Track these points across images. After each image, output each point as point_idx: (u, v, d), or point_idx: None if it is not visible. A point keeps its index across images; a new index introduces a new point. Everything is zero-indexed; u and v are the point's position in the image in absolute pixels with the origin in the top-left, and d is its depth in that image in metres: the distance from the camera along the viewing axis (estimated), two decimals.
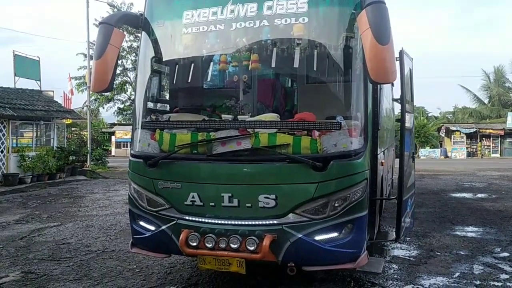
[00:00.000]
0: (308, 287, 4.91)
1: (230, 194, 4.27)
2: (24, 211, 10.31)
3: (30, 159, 15.62)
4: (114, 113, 56.23)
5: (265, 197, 4.17)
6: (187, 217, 4.45)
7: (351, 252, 4.18)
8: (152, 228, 4.67)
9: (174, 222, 4.48)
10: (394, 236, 5.09)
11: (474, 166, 24.48)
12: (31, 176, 15.48)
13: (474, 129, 37.72)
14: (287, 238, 4.13)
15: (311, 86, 5.06)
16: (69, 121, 21.74)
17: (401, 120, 4.93)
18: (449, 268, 5.59)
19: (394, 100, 4.96)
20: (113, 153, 43.04)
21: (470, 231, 7.73)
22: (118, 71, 56.07)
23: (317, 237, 4.13)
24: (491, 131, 37.55)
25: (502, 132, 37.09)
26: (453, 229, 7.83)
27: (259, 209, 4.20)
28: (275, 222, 4.18)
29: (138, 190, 4.75)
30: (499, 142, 37.91)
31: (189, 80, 5.16)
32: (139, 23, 4.96)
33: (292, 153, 4.17)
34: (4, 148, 15.08)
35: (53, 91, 19.01)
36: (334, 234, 4.16)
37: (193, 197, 4.40)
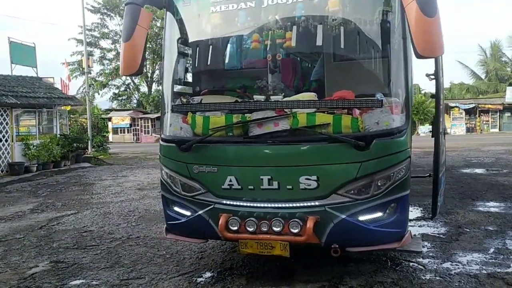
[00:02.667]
0: (344, 268, 4.85)
1: (269, 177, 4.17)
2: (36, 200, 10.21)
3: (35, 147, 15.42)
4: (109, 98, 56.05)
5: (306, 179, 4.08)
6: (224, 201, 4.36)
7: (396, 231, 4.12)
8: (188, 213, 4.58)
9: (211, 206, 4.39)
10: (430, 214, 5.03)
11: (476, 142, 24.54)
12: (36, 165, 15.31)
13: (473, 105, 37.76)
14: (330, 219, 4.06)
15: (346, 63, 4.91)
16: (68, 108, 21.48)
17: (436, 97, 4.83)
18: (482, 244, 5.56)
19: (427, 76, 4.83)
20: (110, 139, 42.82)
21: (493, 207, 7.72)
22: (111, 56, 55.98)
23: (361, 218, 4.05)
24: (490, 106, 37.61)
25: (501, 107, 37.19)
26: (475, 205, 7.81)
27: (300, 191, 4.11)
28: (317, 203, 4.09)
29: (171, 175, 4.64)
30: (498, 117, 38.01)
31: (217, 61, 5.03)
32: (163, 3, 4.79)
33: (332, 132, 4.07)
34: (8, 136, 14.85)
35: (53, 78, 18.71)
36: (379, 214, 4.08)
37: (230, 180, 4.30)
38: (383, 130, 4.00)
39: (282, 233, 4.12)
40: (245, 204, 4.29)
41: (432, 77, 4.76)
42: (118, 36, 55.17)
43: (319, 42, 4.57)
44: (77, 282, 4.85)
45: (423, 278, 4.54)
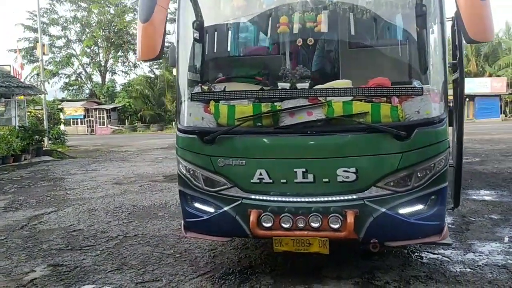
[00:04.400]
0: (371, 263, 4.71)
1: (304, 169, 3.93)
2: (5, 197, 9.43)
3: None
4: (60, 88, 53.58)
5: (344, 171, 3.87)
6: (253, 196, 4.07)
7: (436, 224, 4.00)
8: (211, 210, 4.26)
9: (239, 202, 4.10)
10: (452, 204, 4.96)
11: None
12: None
13: None
14: (370, 213, 3.88)
15: (379, 50, 4.72)
16: (21, 98, 20.20)
17: (459, 83, 4.75)
18: (494, 233, 5.60)
19: (449, 65, 4.75)
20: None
21: (485, 195, 7.88)
22: (61, 43, 53.37)
23: (402, 211, 3.90)
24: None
25: None
26: (468, 194, 7.91)
27: (337, 184, 3.90)
28: (355, 197, 3.90)
29: (192, 169, 4.30)
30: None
31: (237, 46, 4.71)
32: None
33: (371, 122, 3.88)
34: None
35: (10, 65, 17.46)
36: (420, 207, 3.94)
37: (260, 174, 4.02)
38: (424, 119, 3.85)
39: (321, 229, 3.90)
40: (277, 199, 4.03)
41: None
42: (69, 22, 52.86)
43: (350, 26, 4.37)
44: (88, 287, 4.42)
45: (454, 270, 4.47)
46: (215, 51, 4.96)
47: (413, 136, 3.78)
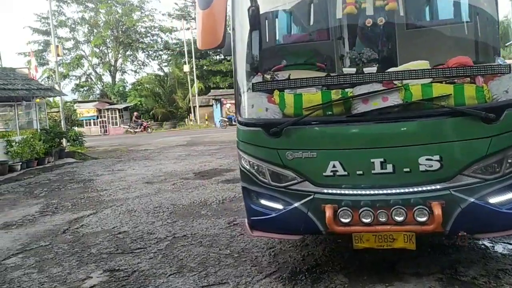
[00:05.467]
0: (448, 257, 4.44)
1: (382, 159, 3.65)
2: (38, 201, 9.27)
3: (17, 144, 14.21)
4: (72, 90, 53.69)
5: (427, 159, 3.58)
6: (326, 190, 3.80)
7: None
8: (280, 206, 3.99)
9: (311, 197, 3.83)
10: None
11: None
12: (20, 163, 14.13)
13: None
14: (457, 203, 3.59)
15: (455, 27, 4.41)
16: (37, 101, 20.10)
17: None
18: None
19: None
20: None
21: None
22: (70, 45, 53.44)
23: (492, 200, 3.61)
24: None
25: None
26: None
27: (419, 174, 3.61)
28: (439, 187, 3.61)
29: (256, 164, 4.03)
30: None
31: (299, 30, 4.40)
32: None
33: (454, 104, 3.58)
34: None
35: (28, 68, 17.33)
36: (511, 195, 3.65)
37: (334, 166, 3.74)
38: None
39: (406, 223, 3.62)
40: (354, 192, 3.76)
41: None
42: (77, 23, 52.83)
43: (418, 4, 4.08)
44: None
45: None
46: (272, 38, 4.69)
47: (503, 118, 3.49)
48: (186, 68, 43.43)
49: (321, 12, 4.68)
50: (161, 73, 52.89)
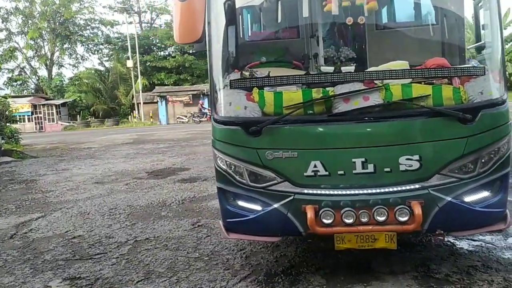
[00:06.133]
0: (418, 254, 4.51)
1: (363, 159, 3.64)
2: None
3: None
4: (4, 84, 50.42)
5: (407, 159, 3.62)
6: (306, 191, 3.73)
7: (501, 211, 3.83)
8: (258, 208, 3.88)
9: (291, 198, 3.75)
10: None
11: None
12: None
13: None
14: (435, 202, 3.65)
15: (428, 29, 4.46)
16: None
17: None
18: None
19: None
20: None
21: None
22: (3, 36, 50.35)
23: (467, 198, 3.70)
24: None
25: None
26: None
27: (400, 173, 3.64)
28: (418, 186, 3.66)
29: (234, 164, 3.88)
30: None
31: (274, 27, 4.30)
32: None
33: (433, 105, 3.64)
34: None
35: None
36: (485, 194, 3.76)
37: (315, 166, 3.68)
38: (488, 100, 3.66)
39: (388, 223, 3.63)
40: (335, 192, 3.72)
41: None
42: (10, 13, 49.68)
43: (394, 4, 4.11)
44: None
45: (507, 257, 4.36)
46: (248, 34, 4.54)
47: (478, 119, 3.58)
48: (129, 63, 42.05)
49: (298, 9, 4.60)
50: (102, 68, 51.00)
